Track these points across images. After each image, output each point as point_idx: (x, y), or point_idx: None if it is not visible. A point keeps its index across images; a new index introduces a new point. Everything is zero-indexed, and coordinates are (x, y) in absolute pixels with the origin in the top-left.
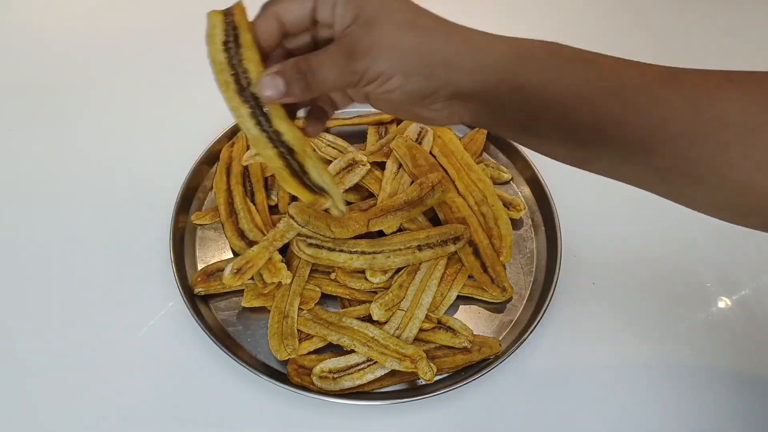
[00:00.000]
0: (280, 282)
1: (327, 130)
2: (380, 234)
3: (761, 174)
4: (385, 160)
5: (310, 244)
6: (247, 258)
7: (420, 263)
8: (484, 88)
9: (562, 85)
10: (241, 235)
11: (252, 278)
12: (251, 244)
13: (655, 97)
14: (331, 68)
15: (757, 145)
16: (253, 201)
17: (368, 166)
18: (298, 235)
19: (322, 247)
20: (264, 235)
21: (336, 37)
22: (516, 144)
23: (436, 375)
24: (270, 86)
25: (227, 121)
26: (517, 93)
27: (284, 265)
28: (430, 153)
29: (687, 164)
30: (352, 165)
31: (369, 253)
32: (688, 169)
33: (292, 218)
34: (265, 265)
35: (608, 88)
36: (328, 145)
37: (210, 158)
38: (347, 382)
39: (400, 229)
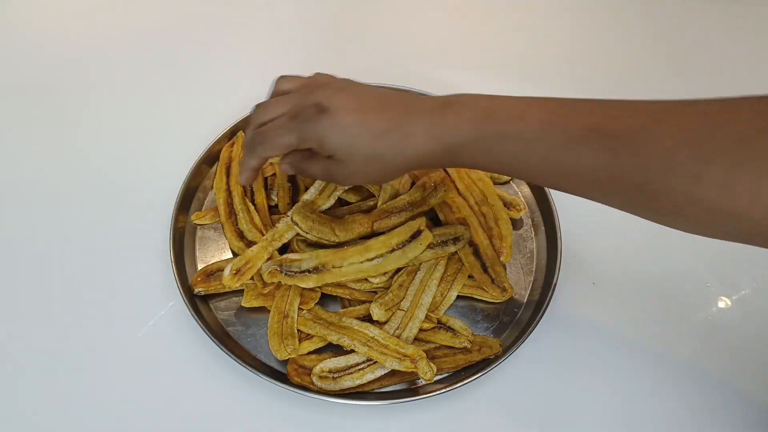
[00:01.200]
0: (280, 282)
1: None
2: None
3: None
4: None
5: (310, 244)
6: (246, 258)
7: (420, 263)
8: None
9: (493, 161)
10: (240, 235)
11: (252, 278)
12: (250, 244)
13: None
14: (318, 174)
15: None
16: (252, 201)
17: None
18: (298, 235)
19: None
20: (263, 235)
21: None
22: None
23: (436, 375)
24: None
25: (227, 121)
26: (460, 165)
27: None
28: None
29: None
30: None
31: None
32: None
33: (296, 225)
34: None
35: (531, 161)
36: None
37: (210, 158)
38: (347, 382)
39: None
